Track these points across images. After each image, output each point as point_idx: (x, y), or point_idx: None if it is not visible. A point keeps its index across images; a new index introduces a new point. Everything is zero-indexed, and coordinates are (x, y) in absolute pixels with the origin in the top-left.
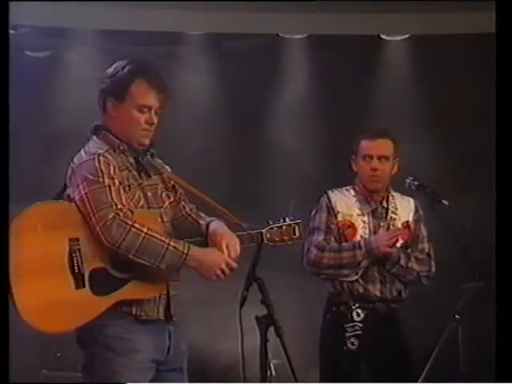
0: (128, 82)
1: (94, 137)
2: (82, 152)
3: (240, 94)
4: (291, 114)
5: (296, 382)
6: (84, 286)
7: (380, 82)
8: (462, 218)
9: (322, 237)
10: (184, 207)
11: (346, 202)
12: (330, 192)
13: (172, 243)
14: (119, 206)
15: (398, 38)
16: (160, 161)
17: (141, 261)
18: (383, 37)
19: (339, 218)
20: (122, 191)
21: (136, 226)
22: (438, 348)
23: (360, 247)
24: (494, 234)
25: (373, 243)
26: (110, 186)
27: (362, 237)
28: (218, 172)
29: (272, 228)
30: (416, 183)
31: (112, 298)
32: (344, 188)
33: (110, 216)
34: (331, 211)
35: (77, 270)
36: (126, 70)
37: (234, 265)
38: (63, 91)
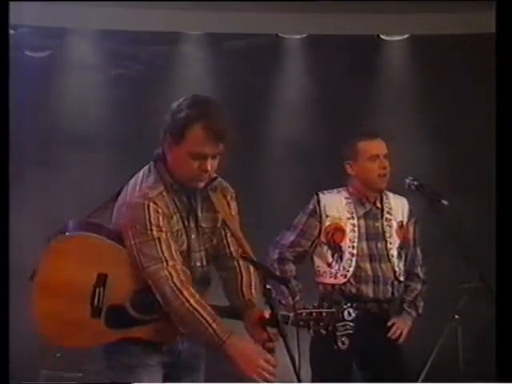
0: (185, 127)
1: (153, 166)
2: (139, 181)
3: (240, 94)
4: (291, 113)
5: (299, 381)
6: (99, 316)
7: (380, 82)
8: (462, 218)
9: (292, 237)
10: (228, 245)
11: (336, 205)
12: (321, 194)
13: (214, 325)
14: (170, 263)
15: (398, 37)
16: (223, 191)
17: (181, 329)
18: (383, 37)
19: (328, 221)
20: (170, 242)
21: (185, 294)
22: (437, 348)
23: None
24: (494, 234)
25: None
26: (159, 239)
27: (350, 240)
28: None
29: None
30: (416, 183)
31: (122, 333)
32: (336, 190)
33: (162, 274)
34: (316, 215)
35: (96, 304)
36: (183, 114)
37: (274, 361)
38: (63, 91)
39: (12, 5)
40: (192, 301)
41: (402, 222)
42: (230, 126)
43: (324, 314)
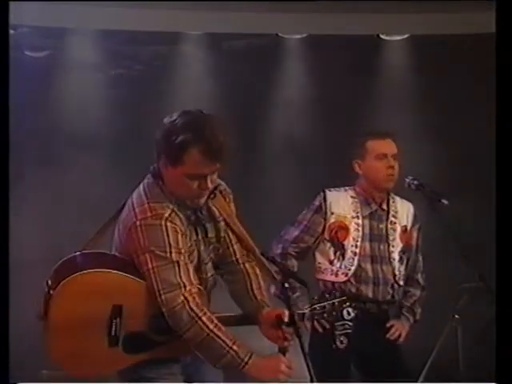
0: (181, 152)
1: (153, 181)
2: (144, 199)
3: (240, 94)
4: (291, 113)
5: (312, 381)
6: (117, 345)
7: (380, 82)
8: (462, 218)
9: (296, 233)
10: (234, 253)
11: (342, 203)
12: (327, 191)
13: (235, 347)
14: (188, 288)
15: (398, 37)
16: (222, 194)
17: (199, 354)
18: (383, 37)
19: (332, 219)
20: (188, 264)
21: (203, 319)
22: (437, 348)
23: None
24: (494, 234)
25: None
26: (177, 263)
27: (354, 239)
28: None
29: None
30: (416, 182)
31: (142, 356)
32: (343, 188)
33: (179, 300)
34: (321, 211)
35: (113, 334)
36: (179, 139)
37: (290, 363)
38: (63, 91)
39: (12, 5)
40: (211, 326)
41: (405, 226)
42: (227, 140)
43: (336, 304)
